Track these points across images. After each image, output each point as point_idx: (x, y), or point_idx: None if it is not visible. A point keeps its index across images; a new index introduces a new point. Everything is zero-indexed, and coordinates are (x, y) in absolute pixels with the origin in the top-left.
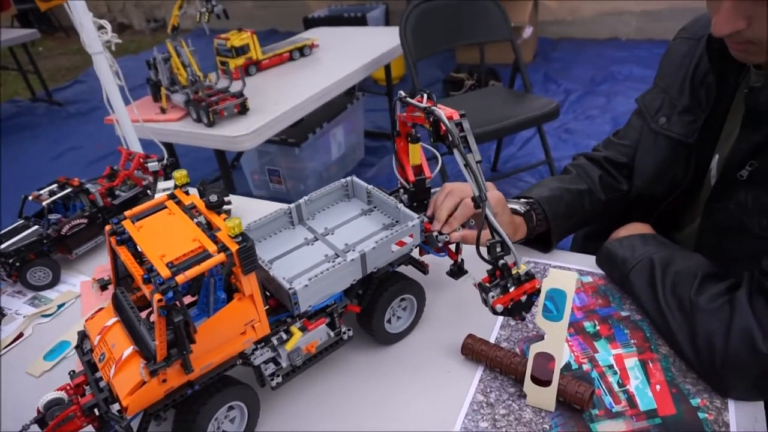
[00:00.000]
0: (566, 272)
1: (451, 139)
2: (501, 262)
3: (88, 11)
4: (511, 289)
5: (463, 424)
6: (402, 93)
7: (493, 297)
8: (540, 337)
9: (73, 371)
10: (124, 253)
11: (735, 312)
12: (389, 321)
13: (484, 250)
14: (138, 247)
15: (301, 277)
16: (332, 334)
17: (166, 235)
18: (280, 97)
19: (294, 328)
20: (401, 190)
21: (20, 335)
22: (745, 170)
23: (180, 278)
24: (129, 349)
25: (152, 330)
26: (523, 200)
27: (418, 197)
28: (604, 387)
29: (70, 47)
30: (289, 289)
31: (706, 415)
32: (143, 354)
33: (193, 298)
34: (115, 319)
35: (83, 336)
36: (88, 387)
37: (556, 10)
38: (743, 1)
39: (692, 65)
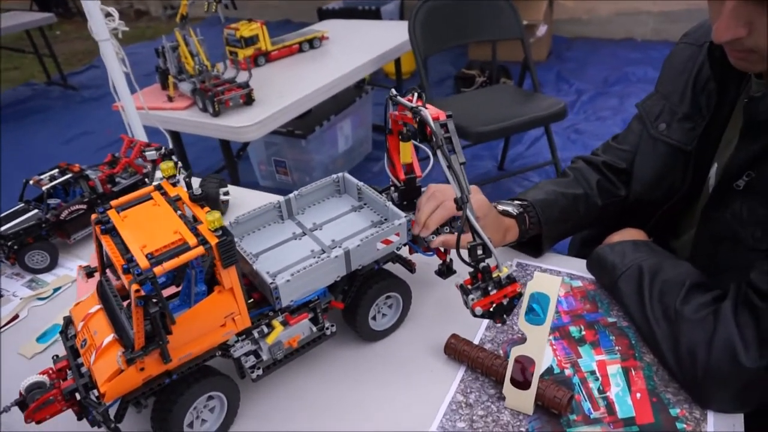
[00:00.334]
0: (551, 276)
1: (434, 139)
2: (482, 264)
3: None
4: (492, 292)
5: (441, 423)
6: (393, 91)
7: (473, 299)
8: (524, 340)
9: (57, 356)
10: (107, 243)
11: (719, 323)
12: (374, 318)
13: (466, 253)
14: (121, 237)
15: (285, 272)
16: (315, 329)
17: (148, 226)
18: (286, 88)
19: (275, 322)
20: (392, 188)
21: (16, 316)
22: (742, 180)
23: (158, 270)
24: (109, 337)
25: (132, 319)
26: (517, 202)
27: (409, 196)
28: (584, 392)
29: (86, 32)
30: (271, 283)
31: (685, 425)
32: (123, 342)
33: (178, 289)
34: (98, 307)
35: (68, 321)
36: (69, 372)
37: (572, 8)
38: (744, 7)
39: (694, 72)
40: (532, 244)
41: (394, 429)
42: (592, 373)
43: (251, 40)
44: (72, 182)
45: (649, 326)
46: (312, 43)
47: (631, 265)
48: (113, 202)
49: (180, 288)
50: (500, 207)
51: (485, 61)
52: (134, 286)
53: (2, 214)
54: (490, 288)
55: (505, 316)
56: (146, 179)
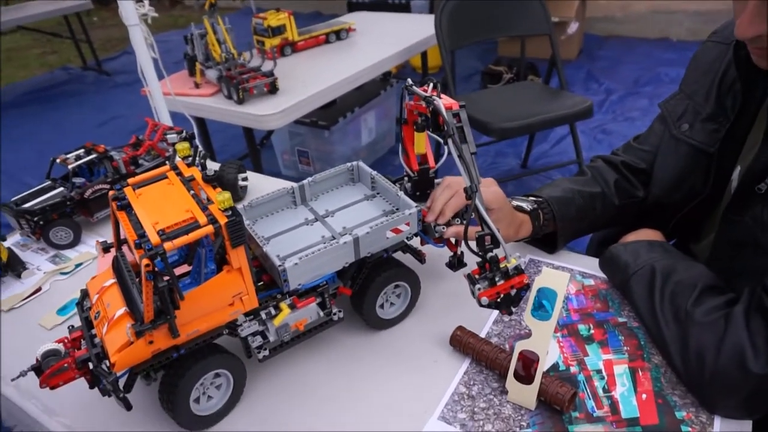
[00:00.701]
0: (559, 272)
1: (446, 129)
2: (490, 255)
3: None
4: (499, 283)
5: (442, 413)
6: (409, 81)
7: (479, 289)
8: (530, 336)
9: (72, 326)
10: (123, 218)
11: (729, 327)
12: (382, 306)
13: (474, 243)
14: (136, 214)
15: (294, 256)
16: (322, 314)
17: (162, 204)
18: (311, 78)
19: (283, 305)
20: (405, 178)
21: (39, 289)
22: (765, 183)
23: (168, 245)
24: (121, 310)
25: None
26: (532, 199)
27: (421, 186)
28: (588, 391)
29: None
30: (279, 266)
31: (690, 429)
32: (134, 315)
33: (189, 268)
34: (112, 281)
35: (84, 294)
36: (83, 341)
37: (606, 6)
38: None
39: (720, 71)
40: (547, 240)
41: (395, 416)
42: (598, 371)
43: (278, 30)
44: (96, 162)
45: (659, 327)
46: (339, 35)
47: (644, 265)
48: (130, 180)
49: (191, 267)
50: (515, 203)
51: (514, 57)
52: (145, 261)
53: (30, 191)
54: (497, 278)
55: (512, 307)
56: (167, 162)
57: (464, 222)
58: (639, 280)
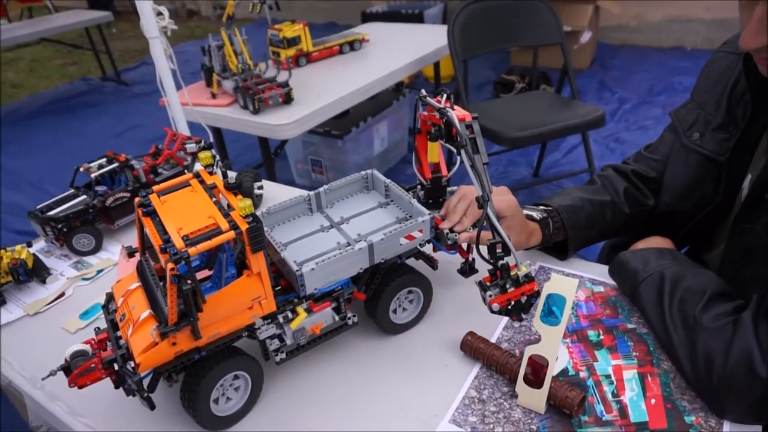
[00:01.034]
0: (568, 278)
1: (459, 139)
2: (501, 262)
3: None
4: (510, 290)
5: (453, 416)
6: (423, 92)
7: (490, 296)
8: (540, 341)
9: (98, 328)
10: (148, 224)
11: (737, 332)
12: (395, 311)
13: (486, 250)
14: (161, 220)
15: (310, 261)
16: (337, 318)
17: (186, 211)
18: (325, 89)
19: (300, 309)
20: (418, 186)
21: (62, 294)
22: None
23: (192, 250)
24: (146, 312)
25: (166, 296)
26: (542, 207)
27: (434, 194)
28: (597, 395)
29: (140, 30)
30: (297, 271)
31: None
32: (158, 318)
33: (210, 273)
34: (137, 284)
35: (110, 297)
36: (109, 343)
37: (619, 15)
38: None
39: (731, 81)
40: (558, 248)
41: (407, 419)
42: (607, 376)
43: (293, 41)
44: (118, 171)
45: (667, 333)
46: (352, 45)
47: (654, 272)
48: (155, 188)
49: (212, 271)
50: (525, 212)
51: (526, 66)
52: (170, 265)
53: (54, 199)
54: (507, 285)
55: (522, 314)
56: (186, 171)
57: (477, 228)
58: (648, 287)
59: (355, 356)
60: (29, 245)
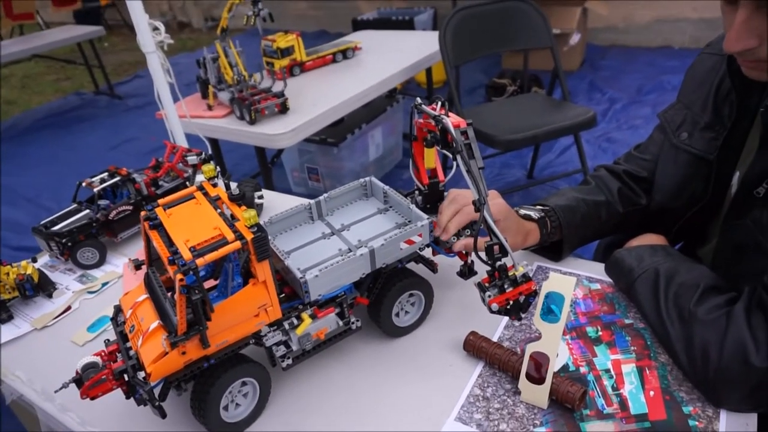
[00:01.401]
0: (566, 277)
1: (455, 145)
2: (499, 263)
3: (144, 13)
4: (508, 290)
5: (458, 414)
6: (418, 100)
7: (489, 296)
8: (540, 339)
9: (108, 340)
10: (155, 237)
11: (731, 324)
12: (397, 315)
13: (484, 253)
14: (167, 232)
15: (314, 268)
16: (341, 323)
17: (191, 223)
18: (320, 97)
19: (304, 315)
20: (416, 192)
21: (68, 308)
22: (762, 187)
23: (200, 261)
24: (155, 323)
25: (176, 307)
26: (539, 207)
27: (432, 199)
28: (598, 389)
29: (133, 43)
30: (301, 278)
31: (697, 422)
32: (167, 328)
33: (215, 282)
34: (145, 296)
35: (118, 309)
36: (119, 354)
37: (607, 16)
38: (756, 19)
39: (716, 82)
40: (553, 249)
41: (413, 418)
42: (607, 371)
43: (287, 51)
44: (120, 185)
45: (664, 327)
46: (345, 54)
47: (648, 268)
48: (160, 201)
49: (218, 281)
50: (522, 211)
51: (517, 70)
52: (178, 276)
53: (57, 214)
54: (506, 286)
55: (521, 313)
56: (187, 183)
57: (472, 234)
58: (643, 283)
59: (360, 360)
60: (34, 260)
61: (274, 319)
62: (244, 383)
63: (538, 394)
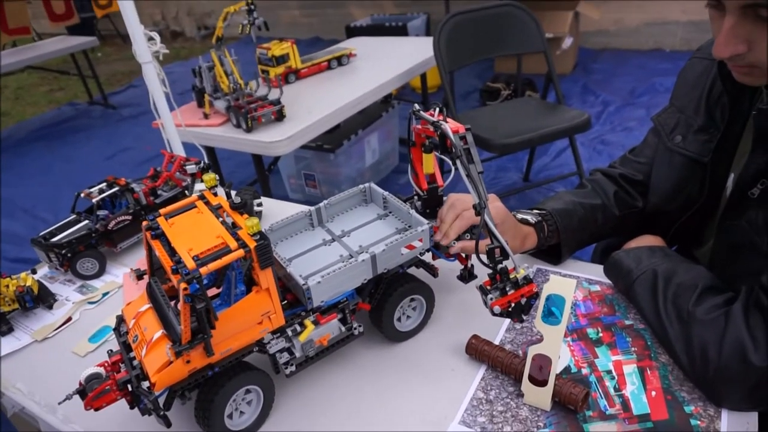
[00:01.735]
0: (566, 279)
1: (454, 151)
2: (500, 266)
3: (139, 24)
4: (510, 292)
5: (462, 417)
6: (416, 106)
7: (491, 299)
8: (542, 341)
9: (111, 350)
10: (157, 247)
11: (729, 324)
12: (399, 319)
13: (485, 256)
14: (169, 242)
15: (316, 275)
16: (344, 329)
17: (194, 232)
18: (316, 104)
19: (307, 321)
20: (415, 197)
21: (69, 319)
22: (757, 188)
23: (203, 270)
24: (159, 333)
25: (179, 316)
26: (536, 211)
27: (431, 204)
28: (600, 390)
29: (126, 53)
30: (303, 284)
31: (698, 422)
32: (171, 337)
33: (218, 291)
34: (147, 306)
35: (120, 320)
36: (123, 365)
37: (599, 20)
38: (744, 25)
39: (707, 86)
40: (551, 252)
41: (417, 423)
42: (609, 372)
43: (282, 59)
44: (118, 195)
45: (663, 327)
46: (340, 60)
47: (646, 269)
48: (162, 210)
49: (220, 290)
50: (519, 216)
51: (511, 74)
52: (182, 285)
53: (56, 225)
54: (507, 288)
55: (522, 315)
56: (186, 191)
57: (471, 237)
58: (642, 284)
59: (363, 365)
60: (34, 272)
61: (277, 326)
62: (248, 391)
63: (541, 396)
